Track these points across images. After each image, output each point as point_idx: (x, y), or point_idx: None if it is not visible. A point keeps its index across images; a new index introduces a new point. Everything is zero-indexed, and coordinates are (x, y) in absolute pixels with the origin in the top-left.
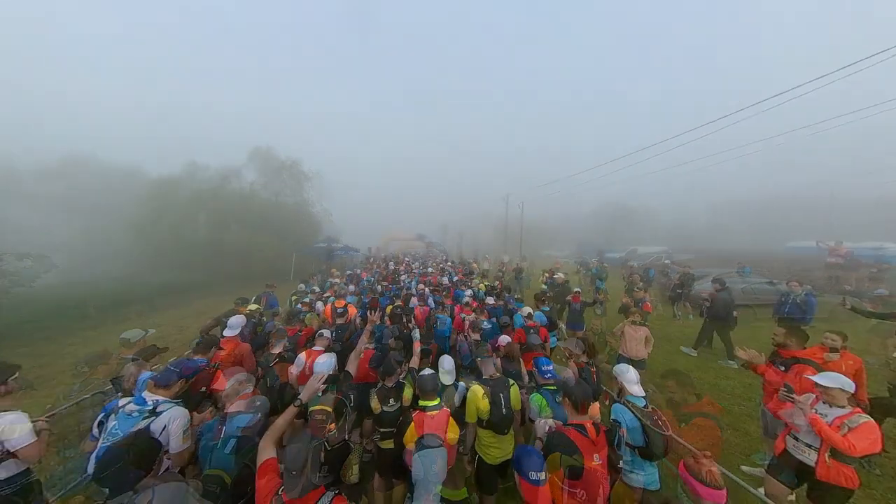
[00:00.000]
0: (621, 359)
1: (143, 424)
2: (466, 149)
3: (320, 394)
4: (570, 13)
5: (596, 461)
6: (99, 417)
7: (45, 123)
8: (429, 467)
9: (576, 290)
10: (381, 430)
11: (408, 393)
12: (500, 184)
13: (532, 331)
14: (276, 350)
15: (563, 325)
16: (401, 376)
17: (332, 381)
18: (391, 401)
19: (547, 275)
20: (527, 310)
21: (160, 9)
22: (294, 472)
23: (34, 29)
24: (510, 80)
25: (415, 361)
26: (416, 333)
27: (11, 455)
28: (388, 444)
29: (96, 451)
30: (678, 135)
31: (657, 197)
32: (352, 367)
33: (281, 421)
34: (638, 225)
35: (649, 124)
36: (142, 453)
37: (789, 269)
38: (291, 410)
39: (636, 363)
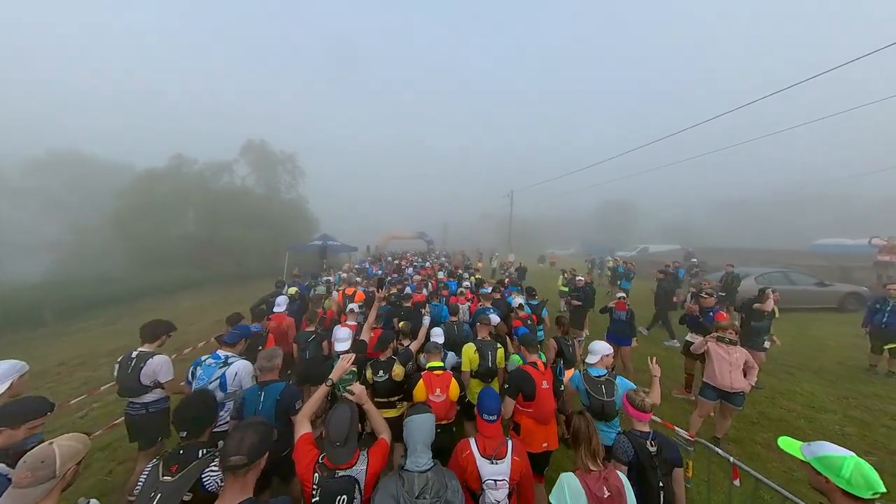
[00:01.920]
0: (706, 389)
1: (219, 372)
2: (467, 144)
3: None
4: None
5: (544, 385)
6: (191, 369)
7: (31, 117)
8: (417, 430)
9: (619, 295)
10: (377, 399)
11: (398, 369)
12: (503, 180)
13: (528, 321)
14: (311, 328)
15: (585, 332)
16: (398, 352)
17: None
18: (381, 372)
19: (567, 275)
20: (518, 300)
21: (153, 5)
22: (338, 444)
23: (26, 27)
24: (515, 69)
25: (415, 346)
26: (427, 319)
27: (160, 385)
28: (384, 414)
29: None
30: (680, 131)
31: (657, 195)
32: (365, 335)
33: (314, 399)
34: (639, 222)
35: (656, 117)
36: (207, 404)
37: (828, 269)
38: (323, 389)
39: (732, 396)
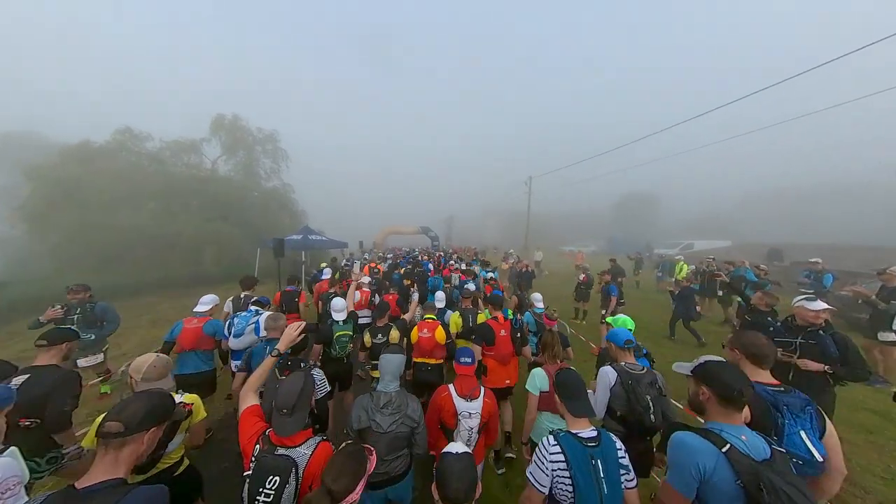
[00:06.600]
0: None
1: (254, 319)
2: (471, 135)
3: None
4: None
5: (502, 333)
6: (228, 322)
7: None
8: (388, 363)
9: None
10: (373, 361)
11: (394, 334)
12: (516, 173)
13: (496, 285)
14: (333, 290)
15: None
16: (396, 321)
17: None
18: (379, 335)
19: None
20: (490, 274)
21: None
22: (285, 411)
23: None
24: (521, 53)
25: (409, 317)
26: (416, 295)
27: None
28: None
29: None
30: (706, 112)
31: (681, 186)
32: (350, 303)
33: (260, 371)
34: (664, 216)
35: (674, 105)
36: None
37: None
38: (269, 361)
39: None
